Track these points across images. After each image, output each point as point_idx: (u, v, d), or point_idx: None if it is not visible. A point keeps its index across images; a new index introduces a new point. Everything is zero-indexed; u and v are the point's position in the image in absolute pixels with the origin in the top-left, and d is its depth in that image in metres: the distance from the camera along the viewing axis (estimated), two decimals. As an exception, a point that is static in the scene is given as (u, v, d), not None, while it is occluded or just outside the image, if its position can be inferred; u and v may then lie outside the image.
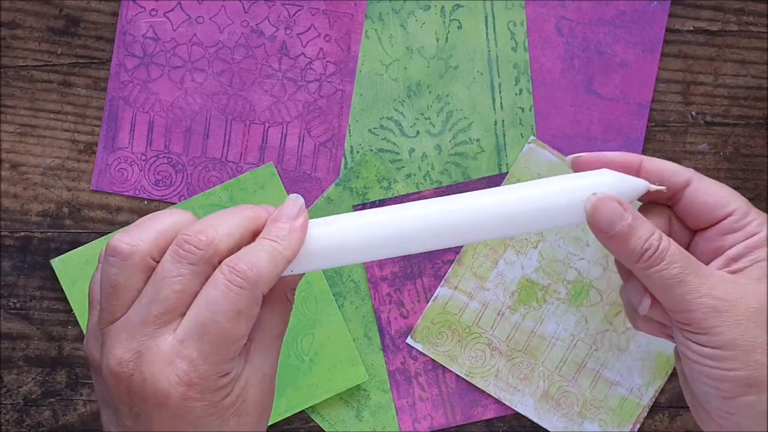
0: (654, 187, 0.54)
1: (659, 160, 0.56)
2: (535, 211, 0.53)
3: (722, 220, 0.55)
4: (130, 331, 0.48)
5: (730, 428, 0.54)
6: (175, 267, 0.48)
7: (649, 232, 0.53)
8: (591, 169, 0.55)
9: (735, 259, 0.54)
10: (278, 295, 0.52)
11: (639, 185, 0.54)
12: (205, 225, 0.50)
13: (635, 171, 0.55)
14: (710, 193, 0.55)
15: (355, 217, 0.53)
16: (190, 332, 0.48)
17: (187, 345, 0.48)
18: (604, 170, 0.54)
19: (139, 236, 0.49)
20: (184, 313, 0.49)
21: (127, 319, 0.49)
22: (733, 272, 0.54)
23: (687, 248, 0.56)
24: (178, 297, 0.48)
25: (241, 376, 0.50)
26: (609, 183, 0.53)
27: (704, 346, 0.52)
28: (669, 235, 0.55)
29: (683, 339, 0.53)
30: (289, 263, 0.51)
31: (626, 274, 0.57)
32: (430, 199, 0.54)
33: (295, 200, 0.52)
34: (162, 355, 0.48)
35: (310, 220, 0.53)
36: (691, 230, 0.57)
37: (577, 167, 0.56)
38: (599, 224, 0.53)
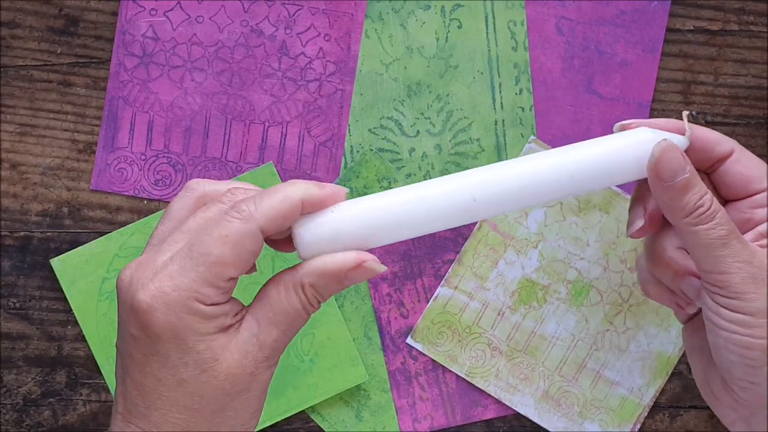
0: (688, 139, 0.54)
1: (704, 128, 0.56)
2: (585, 171, 0.53)
3: (755, 193, 0.55)
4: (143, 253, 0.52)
5: (751, 399, 0.53)
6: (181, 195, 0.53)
7: (704, 189, 0.53)
8: None
9: (764, 234, 0.54)
10: (294, 285, 0.50)
11: (679, 141, 0.54)
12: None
13: None
14: (748, 165, 0.55)
15: (403, 192, 0.52)
16: (180, 251, 0.49)
17: (174, 260, 0.49)
18: (643, 128, 0.54)
19: (212, 183, 0.53)
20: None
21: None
22: (762, 247, 0.54)
23: None
24: (174, 216, 0.51)
25: (222, 335, 0.49)
26: (650, 140, 0.53)
27: (735, 311, 0.52)
28: None
29: (713, 304, 0.53)
30: (301, 201, 0.50)
31: (656, 225, 0.56)
32: (470, 170, 0.53)
33: (339, 187, 0.52)
34: (152, 268, 0.49)
35: (347, 200, 0.52)
36: (724, 200, 0.57)
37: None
38: (663, 173, 0.52)
